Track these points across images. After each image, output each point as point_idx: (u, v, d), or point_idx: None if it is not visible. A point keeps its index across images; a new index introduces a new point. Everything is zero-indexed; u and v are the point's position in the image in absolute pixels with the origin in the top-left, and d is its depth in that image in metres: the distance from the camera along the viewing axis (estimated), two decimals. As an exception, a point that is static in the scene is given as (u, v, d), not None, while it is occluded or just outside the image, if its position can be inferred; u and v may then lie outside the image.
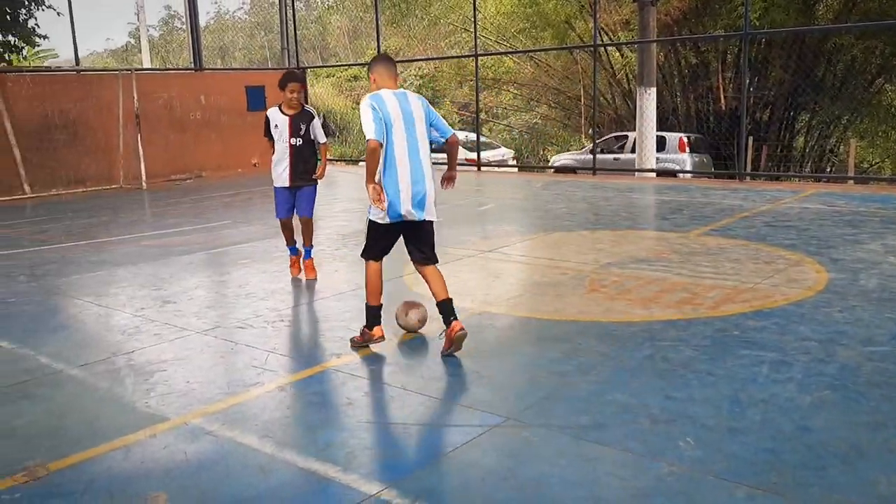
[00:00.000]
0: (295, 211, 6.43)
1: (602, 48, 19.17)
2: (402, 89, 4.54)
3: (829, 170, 18.94)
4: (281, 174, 6.26)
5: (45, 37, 15.69)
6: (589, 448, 3.27)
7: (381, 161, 4.32)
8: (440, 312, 4.49)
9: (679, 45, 18.94)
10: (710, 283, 5.91)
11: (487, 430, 3.46)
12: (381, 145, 4.27)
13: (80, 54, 15.63)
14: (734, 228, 8.09)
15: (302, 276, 6.55)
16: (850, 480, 2.94)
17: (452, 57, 24.73)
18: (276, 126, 6.18)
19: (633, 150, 16.65)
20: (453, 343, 4.42)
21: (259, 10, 43.48)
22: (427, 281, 4.56)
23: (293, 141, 6.16)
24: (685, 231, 8.06)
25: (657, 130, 15.34)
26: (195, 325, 5.30)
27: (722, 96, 18.36)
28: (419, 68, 31.81)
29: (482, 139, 20.90)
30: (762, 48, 18.01)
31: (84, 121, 14.33)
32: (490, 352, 4.57)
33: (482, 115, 29.09)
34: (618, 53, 20.94)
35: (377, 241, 4.57)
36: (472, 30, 16.57)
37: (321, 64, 34.90)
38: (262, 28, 42.54)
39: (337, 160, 24.04)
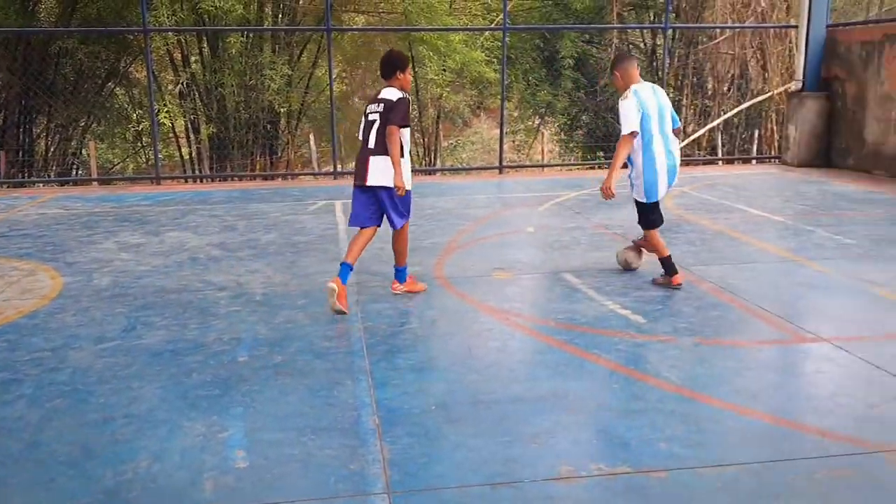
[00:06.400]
0: (370, 223, 5.16)
1: None
2: (647, 82, 5.30)
3: (75, 173, 18.90)
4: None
5: None
6: None
7: (640, 150, 5.21)
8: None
9: None
10: (-69, 309, 5.21)
11: None
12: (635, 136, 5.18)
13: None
14: (-37, 244, 7.32)
15: None
16: (77, 484, 2.96)
17: None
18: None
19: None
20: None
21: None
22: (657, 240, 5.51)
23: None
24: None
25: None
26: None
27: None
28: None
29: None
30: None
31: None
32: None
33: None
34: None
35: (658, 213, 5.50)
36: None
37: None
38: None
39: None
